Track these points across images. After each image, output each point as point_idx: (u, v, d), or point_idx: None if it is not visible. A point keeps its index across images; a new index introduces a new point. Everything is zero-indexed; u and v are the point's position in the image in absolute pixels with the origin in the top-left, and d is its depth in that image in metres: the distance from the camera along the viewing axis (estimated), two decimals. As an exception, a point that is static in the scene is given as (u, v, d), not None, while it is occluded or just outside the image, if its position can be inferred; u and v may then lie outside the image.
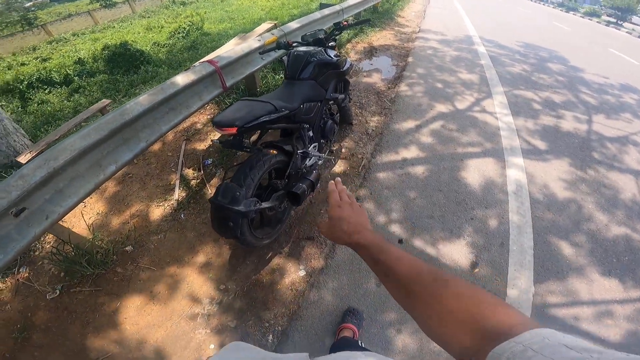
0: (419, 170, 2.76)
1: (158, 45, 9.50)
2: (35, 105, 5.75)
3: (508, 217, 2.37)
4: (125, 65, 6.94)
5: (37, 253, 2.09)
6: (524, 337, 0.32)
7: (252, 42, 3.04)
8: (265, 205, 1.77)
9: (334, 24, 2.56)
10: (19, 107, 5.26)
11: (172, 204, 2.41)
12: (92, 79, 6.87)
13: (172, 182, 2.61)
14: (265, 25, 4.16)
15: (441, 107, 3.74)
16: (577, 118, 3.91)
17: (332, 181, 0.75)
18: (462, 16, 10.69)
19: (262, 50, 2.40)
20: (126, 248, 2.10)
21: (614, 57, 8.15)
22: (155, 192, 2.53)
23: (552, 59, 6.50)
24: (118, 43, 7.61)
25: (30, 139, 3.17)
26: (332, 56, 2.25)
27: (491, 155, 2.99)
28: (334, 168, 2.75)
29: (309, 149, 2.16)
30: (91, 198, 2.47)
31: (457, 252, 2.11)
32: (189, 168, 2.75)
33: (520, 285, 1.93)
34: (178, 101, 2.30)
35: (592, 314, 1.86)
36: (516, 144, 3.17)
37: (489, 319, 0.39)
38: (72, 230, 1.99)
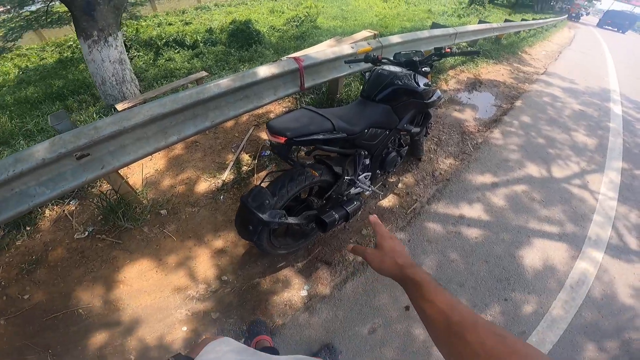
0: (473, 233, 2.43)
1: (274, 29, 10.28)
2: (163, 60, 6.78)
3: (548, 307, 2.02)
4: (241, 41, 7.71)
5: (93, 190, 2.35)
6: None
7: (345, 47, 3.00)
8: (290, 220, 1.71)
9: (434, 48, 2.34)
10: (150, 60, 6.21)
11: (218, 183, 2.52)
12: (212, 47, 7.79)
13: (227, 162, 2.74)
14: (364, 33, 4.09)
15: (532, 169, 3.21)
16: None
17: (374, 215, 0.74)
18: (607, 64, 9.02)
19: (349, 60, 2.33)
20: (161, 211, 2.27)
21: None
22: (211, 166, 2.69)
23: None
24: (243, 20, 8.48)
25: (140, 90, 3.75)
26: (420, 84, 2.03)
27: (568, 241, 2.48)
28: (383, 201, 2.59)
29: (359, 178, 2.04)
30: (159, 153, 2.68)
31: None
32: (247, 154, 2.87)
33: None
34: (253, 91, 2.38)
35: None
36: (605, 235, 2.58)
37: None
38: (126, 180, 2.20)
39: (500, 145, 3.50)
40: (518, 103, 4.59)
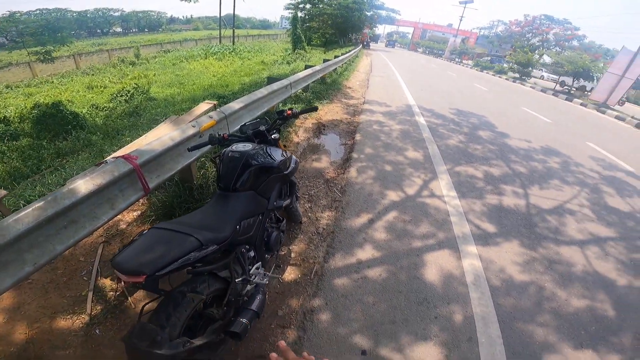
0: (376, 272, 2.53)
1: (97, 108, 8.97)
2: None
3: (471, 309, 2.28)
4: (54, 129, 6.41)
5: None
6: None
7: (186, 128, 2.67)
8: (198, 342, 1.36)
9: (276, 112, 2.33)
10: None
11: (84, 318, 1.97)
12: (14, 142, 6.17)
13: (83, 293, 2.15)
14: (203, 106, 3.85)
15: (392, 195, 3.66)
16: (515, 193, 4.10)
17: (282, 342, 0.73)
18: (401, 84, 11.83)
19: (192, 147, 2.05)
20: None
21: (528, 117, 9.47)
22: (61, 302, 2.07)
23: (482, 126, 7.21)
24: (50, 102, 7.05)
25: None
26: (276, 157, 1.94)
27: (445, 246, 2.90)
28: (285, 275, 2.43)
29: (251, 272, 1.79)
30: None
31: (426, 354, 1.94)
32: (105, 277, 2.27)
33: None
34: (80, 212, 1.82)
35: None
36: (467, 230, 3.14)
37: None
38: None
39: (360, 182, 3.87)
40: (358, 137, 5.30)
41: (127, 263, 1.15)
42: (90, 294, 2.11)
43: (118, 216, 2.83)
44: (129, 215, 2.92)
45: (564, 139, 7.24)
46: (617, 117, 12.51)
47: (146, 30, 58.29)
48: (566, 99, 16.19)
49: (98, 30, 49.65)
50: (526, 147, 6.12)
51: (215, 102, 4.25)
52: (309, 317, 2.09)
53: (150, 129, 3.91)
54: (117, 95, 9.54)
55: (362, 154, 4.68)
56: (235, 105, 3.48)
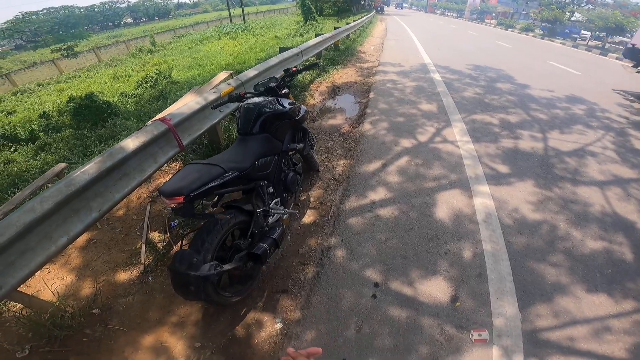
0: (389, 211, 2.73)
1: (126, 95, 9.38)
2: (2, 165, 5.39)
3: (482, 246, 2.35)
4: (92, 119, 6.71)
5: (3, 315, 1.98)
6: None
7: (208, 94, 2.99)
8: (227, 267, 1.71)
9: (283, 70, 2.56)
10: (-18, 169, 4.88)
11: (139, 267, 2.31)
12: (58, 134, 6.60)
13: (137, 246, 2.50)
14: (221, 76, 4.16)
15: (405, 142, 3.82)
16: (533, 137, 4.10)
17: (290, 348, 0.71)
18: (417, 45, 11.43)
19: (215, 105, 2.36)
20: (93, 311, 2.01)
21: (554, 69, 8.89)
22: (121, 256, 2.43)
23: (500, 79, 6.97)
24: (84, 94, 7.45)
25: None
26: (285, 105, 2.22)
27: (457, 186, 3.03)
28: (304, 219, 2.68)
29: (270, 206, 2.09)
30: (54, 264, 2.37)
31: (435, 289, 2.06)
32: (154, 231, 2.63)
33: (505, 313, 1.89)
34: (131, 166, 2.18)
35: (588, 332, 1.82)
36: (480, 171, 3.24)
37: None
38: (36, 295, 1.99)
39: (373, 133, 4.04)
40: (371, 95, 5.39)
41: (168, 189, 1.48)
42: (143, 247, 2.46)
43: (161, 178, 3.23)
44: (169, 177, 3.29)
45: (592, 87, 6.85)
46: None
47: (156, 18, 58.57)
48: (600, 54, 14.71)
49: (109, 23, 50.50)
50: (549, 96, 5.92)
51: (231, 71, 4.49)
52: (326, 254, 2.33)
53: (177, 100, 4.25)
54: (142, 82, 9.89)
55: (375, 109, 4.81)
56: (250, 72, 3.77)
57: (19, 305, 2.01)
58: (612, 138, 4.24)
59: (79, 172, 1.88)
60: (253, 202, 1.91)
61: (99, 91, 10.48)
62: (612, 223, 2.65)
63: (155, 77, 9.71)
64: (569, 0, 28.59)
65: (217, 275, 1.62)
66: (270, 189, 2.13)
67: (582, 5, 28.51)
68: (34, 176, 4.10)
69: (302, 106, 2.53)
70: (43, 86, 15.09)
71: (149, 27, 39.47)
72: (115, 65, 18.17)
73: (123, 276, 2.27)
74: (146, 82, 9.77)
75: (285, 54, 4.85)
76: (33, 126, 6.94)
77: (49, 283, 2.21)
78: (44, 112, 8.22)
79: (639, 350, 1.73)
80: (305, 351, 0.66)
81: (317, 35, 7.67)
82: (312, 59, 6.81)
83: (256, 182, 1.96)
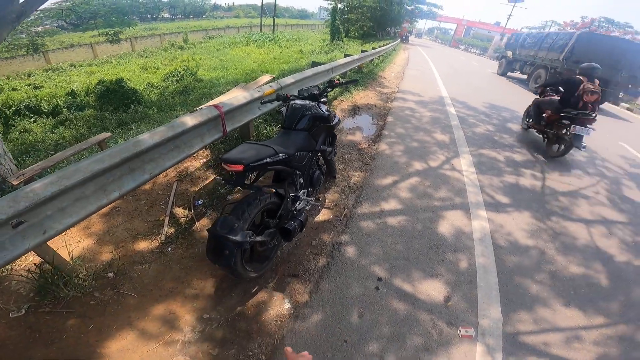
0: (396, 220, 3.02)
1: (151, 86, 9.73)
2: (17, 133, 5.68)
3: (475, 260, 2.65)
4: (116, 103, 6.90)
5: (4, 274, 2.07)
6: None
7: (253, 92, 3.36)
8: (259, 238, 1.94)
9: (327, 81, 2.94)
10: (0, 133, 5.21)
11: (160, 237, 2.47)
12: (80, 112, 6.83)
13: (160, 218, 2.68)
14: (265, 78, 4.64)
15: (416, 165, 4.15)
16: (534, 175, 4.41)
17: (289, 347, 0.83)
18: (437, 78, 11.92)
19: (263, 101, 2.72)
20: (107, 274, 2.12)
21: None
22: (143, 226, 2.60)
23: (513, 119, 7.31)
24: (114, 79, 7.72)
25: (15, 164, 3.21)
26: (324, 111, 2.58)
27: (459, 208, 3.33)
28: (319, 216, 2.96)
29: (300, 194, 2.39)
30: (74, 228, 2.46)
31: (431, 288, 2.33)
32: (179, 207, 2.86)
33: (490, 315, 2.16)
34: (183, 140, 2.50)
35: (560, 340, 2.09)
36: (480, 199, 3.55)
37: None
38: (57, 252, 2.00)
39: (388, 153, 4.38)
40: (389, 119, 5.76)
41: (232, 157, 1.78)
42: (166, 219, 2.66)
43: (189, 162, 3.55)
44: (197, 162, 3.59)
45: (596, 136, 7.09)
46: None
47: (191, 16, 60.60)
48: (612, 103, 15.14)
49: (148, 16, 52.28)
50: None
51: (274, 75, 4.95)
52: (337, 248, 2.60)
53: (224, 93, 4.65)
54: (169, 76, 10.26)
55: (392, 132, 5.17)
56: (288, 79, 4.24)
57: (28, 261, 2.12)
58: (606, 185, 4.53)
59: (147, 135, 2.16)
60: (285, 188, 2.20)
61: (127, 78, 10.96)
62: (593, 254, 2.97)
63: (182, 72, 10.12)
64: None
65: (251, 243, 1.86)
66: (301, 180, 2.43)
67: None
68: (47, 147, 4.34)
69: (337, 115, 2.89)
70: (75, 67, 15.70)
71: (183, 24, 40.91)
72: (146, 57, 18.88)
73: (142, 245, 2.41)
74: (173, 76, 10.13)
75: (318, 69, 5.30)
76: (59, 102, 7.22)
77: (66, 245, 2.28)
78: (72, 90, 8.50)
79: (603, 358, 2.00)
80: (300, 355, 0.75)
81: (345, 55, 8.20)
82: (338, 76, 7.26)
83: (294, 170, 2.27)
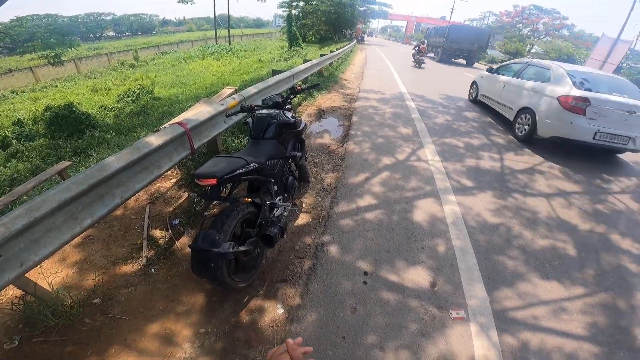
0: (373, 214, 3.13)
1: (105, 108, 9.24)
2: None
3: (452, 243, 2.79)
4: (68, 129, 6.50)
5: None
6: None
7: (217, 105, 3.33)
8: (242, 248, 1.96)
9: (289, 88, 3.00)
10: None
11: (141, 260, 2.43)
12: (31, 143, 6.40)
13: (138, 242, 2.63)
14: (227, 90, 4.60)
15: (385, 160, 4.31)
16: (492, 157, 4.75)
17: (289, 340, 0.78)
18: (394, 75, 12.42)
19: (228, 114, 2.73)
20: (94, 300, 2.06)
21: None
22: (121, 251, 2.54)
23: (468, 108, 7.83)
24: (62, 104, 7.26)
25: None
26: (290, 117, 2.64)
27: (430, 195, 3.51)
28: (298, 221, 3.00)
29: (276, 201, 2.42)
30: (50, 260, 2.37)
31: (416, 276, 2.42)
32: (155, 229, 2.80)
33: (477, 295, 2.26)
34: (150, 161, 2.43)
35: (548, 312, 2.20)
36: (448, 184, 3.76)
37: None
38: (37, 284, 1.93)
39: (357, 152, 4.52)
40: (355, 119, 5.93)
41: (204, 172, 1.79)
42: (144, 242, 2.61)
43: (160, 183, 3.46)
44: (168, 183, 3.51)
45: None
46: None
47: (139, 33, 58.44)
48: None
49: (90, 35, 49.76)
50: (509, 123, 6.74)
51: (235, 87, 4.91)
52: (320, 249, 2.64)
53: (185, 110, 4.55)
54: (123, 96, 9.79)
55: (358, 131, 5.33)
56: (252, 90, 4.25)
57: (9, 294, 2.04)
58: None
59: (112, 159, 2.10)
60: (261, 197, 2.22)
61: (77, 102, 10.32)
62: (556, 225, 3.21)
63: (137, 92, 9.70)
64: (529, 33, 31.86)
65: (234, 254, 1.87)
66: (276, 187, 2.46)
67: (542, 37, 31.90)
68: (2, 183, 4.11)
69: (303, 120, 2.95)
70: (17, 93, 14.59)
71: (131, 41, 39.32)
72: (95, 78, 17.90)
73: (124, 269, 2.36)
74: (127, 97, 9.67)
75: (280, 76, 5.36)
76: (7, 132, 6.72)
77: (44, 276, 2.21)
78: (18, 119, 7.93)
79: (592, 327, 2.12)
80: (299, 346, 0.74)
81: (305, 61, 8.31)
82: (300, 83, 7.35)
83: (267, 178, 2.30)
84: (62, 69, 18.64)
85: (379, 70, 13.44)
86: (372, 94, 8.16)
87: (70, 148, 5.54)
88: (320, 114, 6.13)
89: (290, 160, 2.88)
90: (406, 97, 8.32)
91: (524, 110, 5.57)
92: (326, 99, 7.21)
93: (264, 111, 2.57)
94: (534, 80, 5.73)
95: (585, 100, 4.61)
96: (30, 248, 1.62)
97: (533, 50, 30.13)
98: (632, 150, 4.81)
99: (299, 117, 2.89)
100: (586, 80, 5.05)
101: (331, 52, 12.61)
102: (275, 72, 6.19)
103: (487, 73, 7.59)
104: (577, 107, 4.64)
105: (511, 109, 6.04)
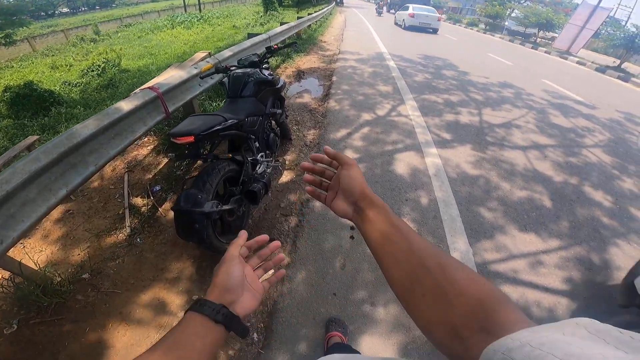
0: (356, 167, 3.17)
1: (69, 84, 8.80)
2: None
3: (434, 195, 2.84)
4: (32, 108, 6.27)
5: None
6: (522, 334, 0.30)
7: (190, 69, 3.18)
8: (226, 207, 1.91)
9: (265, 47, 2.88)
10: None
11: (125, 230, 2.37)
12: None
13: (120, 212, 2.56)
14: (200, 54, 4.37)
15: (366, 116, 4.30)
16: (470, 112, 4.82)
17: (327, 146, 0.67)
18: (374, 36, 12.10)
19: (202, 75, 2.60)
20: (83, 276, 2.03)
21: (492, 60, 10.16)
22: (103, 223, 2.47)
23: (446, 67, 7.85)
24: (22, 84, 6.92)
25: None
26: (267, 75, 2.54)
27: (412, 149, 3.55)
28: (282, 179, 2.99)
29: (258, 157, 2.38)
30: (30, 237, 2.33)
31: None
32: (136, 197, 2.73)
33: (460, 248, 2.31)
34: (122, 127, 2.33)
35: (527, 265, 2.25)
36: (429, 137, 3.81)
37: (498, 312, 0.37)
38: (21, 262, 1.86)
39: (338, 109, 4.47)
40: (335, 78, 5.81)
41: (181, 130, 1.69)
42: (127, 211, 2.53)
43: (136, 151, 3.35)
44: (145, 150, 3.38)
45: (521, 76, 7.98)
46: (578, 62, 13.34)
47: (97, 7, 53.71)
48: (532, 47, 16.89)
49: (42, 13, 45.31)
50: (484, 82, 6.85)
51: (209, 50, 4.66)
52: (306, 205, 2.65)
53: (158, 75, 4.33)
54: (88, 71, 9.28)
55: (338, 90, 5.26)
56: (226, 52, 4.06)
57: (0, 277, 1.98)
58: (534, 115, 5.13)
59: (79, 127, 1.99)
60: (243, 154, 2.17)
61: (37, 80, 9.63)
62: (533, 177, 3.31)
63: (102, 65, 9.18)
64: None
65: (219, 213, 1.82)
66: (257, 144, 2.41)
67: (522, 2, 31.50)
68: None
69: (282, 78, 2.86)
70: (-28, 76, 13.42)
71: (89, 16, 36.23)
72: (53, 55, 16.63)
73: (109, 241, 2.30)
74: (92, 71, 9.20)
75: (256, 39, 5.14)
76: None
77: (29, 256, 2.14)
78: None
79: (569, 281, 2.18)
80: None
81: (281, 23, 7.96)
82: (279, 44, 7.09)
83: (247, 134, 2.24)
84: (17, 48, 17.17)
85: (359, 32, 13.03)
86: (351, 55, 7.95)
87: (38, 126, 5.34)
88: (300, 74, 5.97)
89: (270, 118, 2.82)
90: (385, 56, 8.17)
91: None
92: (305, 61, 7.00)
93: (239, 70, 2.47)
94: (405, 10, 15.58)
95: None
96: (7, 224, 1.56)
97: (513, 15, 29.85)
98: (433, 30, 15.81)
99: (278, 75, 2.80)
100: (417, 6, 16.31)
101: (309, 14, 12.03)
102: (251, 35, 5.90)
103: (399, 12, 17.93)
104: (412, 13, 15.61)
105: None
